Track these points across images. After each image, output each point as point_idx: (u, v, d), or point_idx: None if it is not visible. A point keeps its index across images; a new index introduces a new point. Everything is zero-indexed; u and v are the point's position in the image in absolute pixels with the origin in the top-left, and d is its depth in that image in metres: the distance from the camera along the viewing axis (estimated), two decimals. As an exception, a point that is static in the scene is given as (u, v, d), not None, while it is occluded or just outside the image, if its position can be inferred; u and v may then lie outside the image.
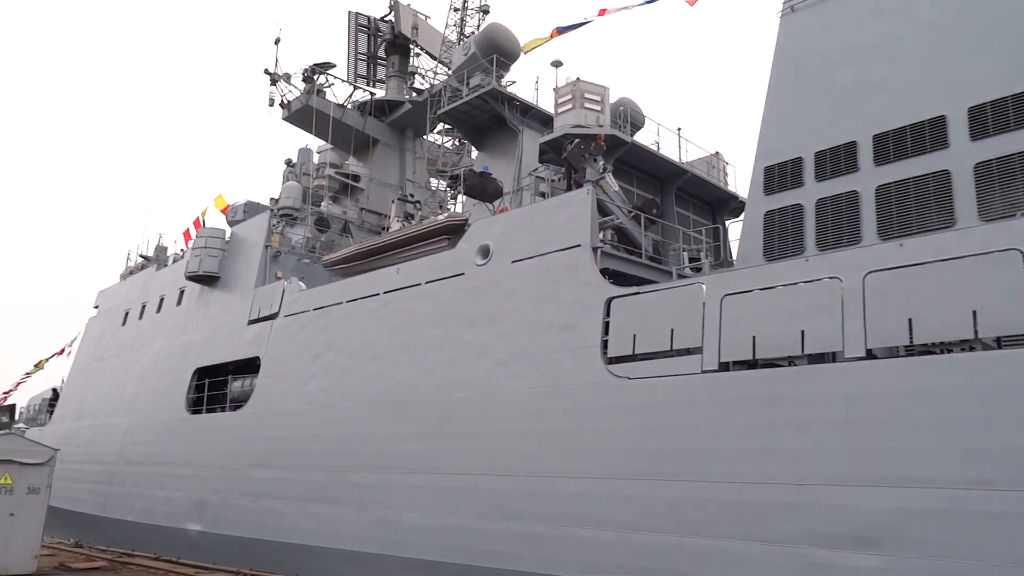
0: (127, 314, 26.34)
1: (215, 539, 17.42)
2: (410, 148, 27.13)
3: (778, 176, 11.75)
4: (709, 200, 20.02)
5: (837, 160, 11.12)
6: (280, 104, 25.42)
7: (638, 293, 11.24)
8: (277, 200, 23.15)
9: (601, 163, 13.97)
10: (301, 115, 25.43)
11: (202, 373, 20.91)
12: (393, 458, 13.92)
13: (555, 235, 12.72)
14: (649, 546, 9.86)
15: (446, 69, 25.30)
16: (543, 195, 14.58)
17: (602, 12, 19.81)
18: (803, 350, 9.20)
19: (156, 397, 22.09)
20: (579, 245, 12.27)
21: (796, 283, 9.65)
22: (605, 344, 11.35)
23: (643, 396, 10.57)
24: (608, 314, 11.47)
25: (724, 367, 9.89)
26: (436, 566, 12.45)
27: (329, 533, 14.54)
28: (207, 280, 21.92)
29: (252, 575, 12.45)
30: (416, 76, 26.14)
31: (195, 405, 20.66)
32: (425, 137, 28.01)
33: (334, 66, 25.90)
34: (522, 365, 12.35)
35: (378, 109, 26.59)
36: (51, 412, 29.48)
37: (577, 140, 14.04)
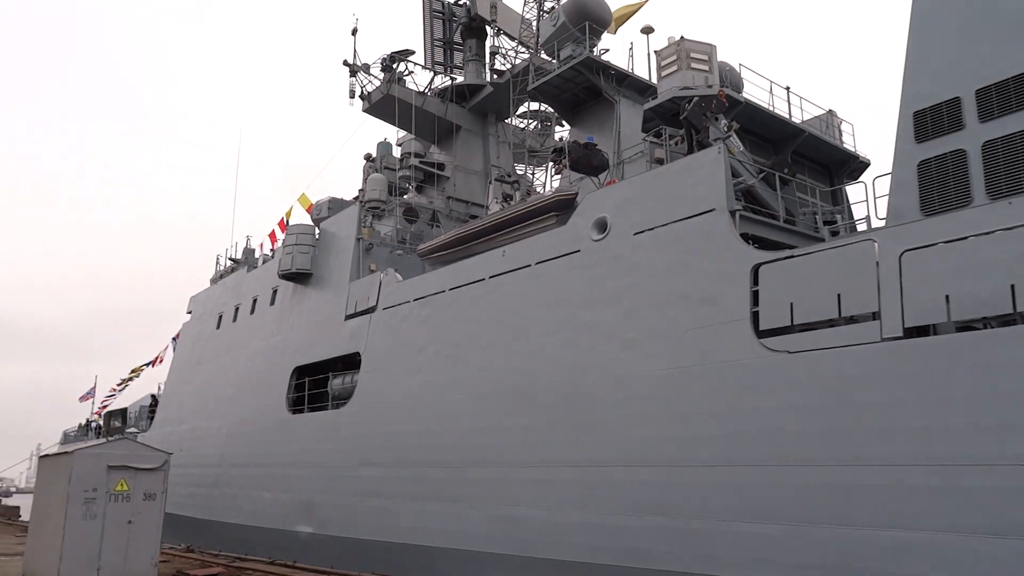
0: (221, 317, 26.31)
1: (327, 541, 16.91)
2: (493, 133, 26.26)
3: (931, 121, 10.30)
4: (825, 162, 18.44)
5: (1006, 96, 9.62)
6: (360, 96, 24.89)
7: (793, 256, 9.99)
8: (362, 194, 22.58)
9: (724, 122, 12.72)
10: (382, 105, 24.85)
11: (301, 372, 20.52)
12: (513, 451, 13.01)
13: (683, 201, 11.56)
14: (834, 541, 8.64)
15: (527, 49, 24.32)
16: (659, 161, 13.42)
17: None
18: (1015, 307, 7.82)
19: (256, 398, 21.83)
20: (713, 209, 11.08)
21: (994, 231, 8.27)
22: (755, 316, 10.15)
23: (809, 371, 9.33)
24: (756, 282, 10.26)
25: (910, 333, 8.58)
26: (570, 566, 11.48)
27: (448, 533, 13.76)
28: (300, 278, 21.53)
29: (374, 579, 11.80)
30: (496, 58, 25.22)
31: (296, 404, 20.29)
32: (508, 121, 27.12)
33: (412, 53, 25.23)
34: (655, 345, 11.25)
35: (458, 95, 25.81)
36: (151, 418, 29.85)
37: (697, 98, 12.82)
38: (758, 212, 12.40)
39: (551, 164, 15.55)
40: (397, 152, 27.77)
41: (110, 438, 12.11)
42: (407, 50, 24.87)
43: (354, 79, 24.52)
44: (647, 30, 19.52)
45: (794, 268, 9.92)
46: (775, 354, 9.75)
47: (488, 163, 25.82)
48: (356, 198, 24.95)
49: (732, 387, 10.11)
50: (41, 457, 13.31)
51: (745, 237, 11.21)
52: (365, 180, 26.92)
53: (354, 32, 24.55)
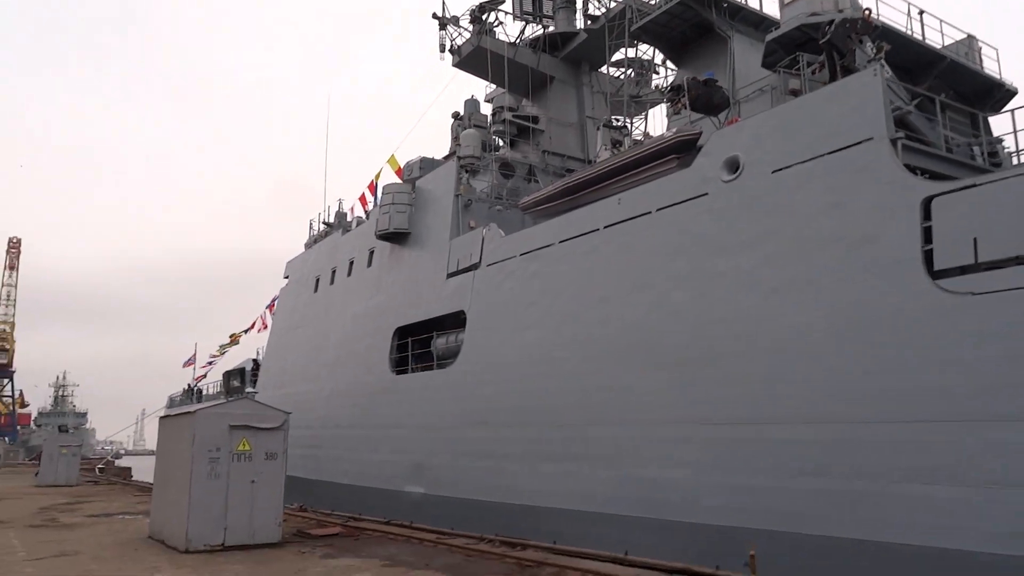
0: (318, 281, 26.36)
1: (438, 502, 16.65)
2: (587, 83, 25.16)
3: None
4: (966, 92, 16.71)
5: None
6: (450, 50, 24.14)
7: (976, 185, 8.78)
8: (458, 149, 21.94)
9: (870, 45, 11.43)
10: (472, 59, 24.06)
11: (402, 332, 20.25)
12: (641, 410, 12.27)
13: (833, 132, 10.40)
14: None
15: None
16: (794, 93, 12.21)
17: None
18: None
19: (357, 360, 21.75)
20: (870, 139, 9.91)
21: None
22: (928, 255, 9.02)
23: (1003, 314, 8.20)
24: (927, 217, 9.11)
25: None
26: (711, 530, 10.72)
27: (571, 494, 13.18)
28: (397, 237, 21.17)
29: (503, 541, 11.30)
30: (590, 3, 24.00)
31: (398, 365, 20.06)
32: (603, 70, 25.94)
33: (502, 1, 24.26)
34: (804, 292, 10.23)
35: (550, 44, 24.77)
36: (253, 382, 30.43)
37: (840, 19, 11.53)
38: (926, 142, 11.13)
39: (667, 104, 14.46)
40: (485, 109, 27.03)
41: (230, 398, 11.97)
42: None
43: (443, 32, 23.78)
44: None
45: (976, 199, 8.72)
46: (954, 296, 8.63)
47: (583, 114, 24.78)
48: (448, 157, 24.39)
49: (901, 335, 9.04)
50: (162, 418, 13.34)
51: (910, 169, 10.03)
52: (454, 139, 26.32)
53: (444, -20, 23.75)
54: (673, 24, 17.78)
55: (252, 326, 39.72)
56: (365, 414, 20.63)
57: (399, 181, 24.19)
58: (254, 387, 29.60)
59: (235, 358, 44.83)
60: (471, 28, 23.87)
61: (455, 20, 23.76)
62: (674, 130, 13.34)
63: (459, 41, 23.98)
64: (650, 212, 13.03)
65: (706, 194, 12.07)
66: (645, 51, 22.44)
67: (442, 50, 23.87)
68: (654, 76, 25.58)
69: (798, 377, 10.00)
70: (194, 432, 11.08)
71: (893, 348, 9.05)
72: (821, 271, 10.07)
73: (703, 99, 13.97)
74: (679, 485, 11.33)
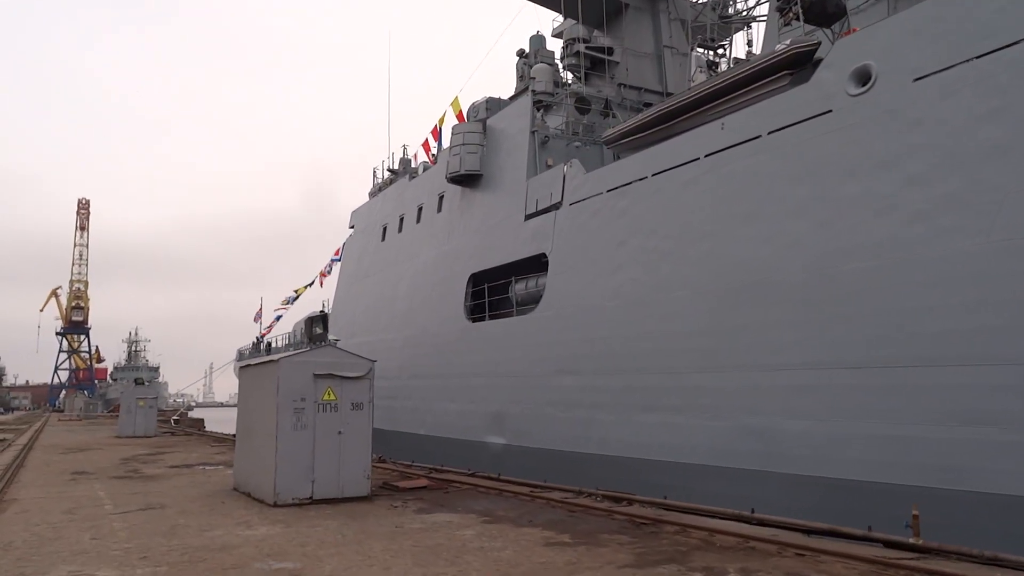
0: (385, 229, 25.68)
1: (521, 453, 15.94)
2: (664, 10, 23.43)
3: None
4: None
5: None
6: (519, -22, 22.69)
7: None
8: (533, 83, 20.68)
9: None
10: (541, -14, 22.58)
11: (477, 279, 19.41)
12: (755, 354, 11.16)
13: (995, 28, 8.90)
14: None
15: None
16: (931, -9, 10.62)
17: None
18: None
19: (431, 309, 21.06)
20: (1041, 32, 8.41)
21: None
22: None
23: None
24: (1124, 120, 7.66)
25: None
26: (847, 486, 9.65)
27: (675, 446, 12.23)
28: (469, 180, 20.20)
29: (605, 495, 10.45)
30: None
31: (474, 313, 19.28)
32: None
33: (574, -77, 22.57)
34: (962, 215, 8.89)
35: (622, -31, 23.05)
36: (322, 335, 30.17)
37: None
38: None
39: (777, 15, 12.97)
40: (552, 46, 25.58)
41: (313, 345, 11.29)
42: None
43: (512, -42, 22.30)
44: None
45: None
46: None
47: (660, 44, 23.13)
48: (518, 95, 23.15)
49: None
50: (242, 368, 12.79)
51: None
52: (520, 79, 25.03)
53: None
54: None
55: (320, 277, 39.59)
56: (440, 363, 19.99)
57: (457, 130, 23.11)
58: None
59: (298, 312, 45.03)
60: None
61: (523, -55, 22.23)
62: (788, 42, 11.89)
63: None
64: (760, 136, 11.72)
65: (830, 111, 10.69)
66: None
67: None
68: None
69: (955, 312, 8.73)
70: (278, 382, 10.43)
71: (1081, 275, 7.72)
72: (982, 191, 8.71)
73: (816, 8, 12.46)
74: (806, 435, 10.24)
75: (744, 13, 21.44)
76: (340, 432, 10.84)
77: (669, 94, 21.54)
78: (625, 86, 21.96)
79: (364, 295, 25.91)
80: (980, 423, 8.45)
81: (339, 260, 33.16)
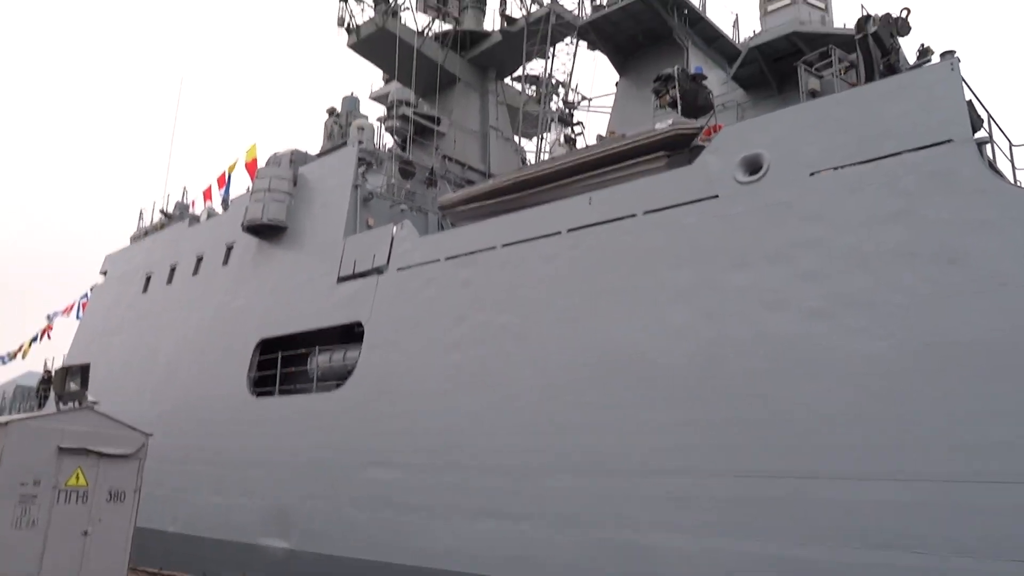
0: (149, 279, 21.69)
1: (314, 560, 13.10)
2: (492, 90, 22.97)
3: None
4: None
5: None
6: (347, 29, 21.01)
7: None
8: (361, 133, 18.78)
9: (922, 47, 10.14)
10: (372, 43, 21.08)
11: (267, 347, 16.52)
12: (621, 455, 9.81)
13: (894, 132, 8.77)
14: None
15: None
16: (813, 93, 10.63)
17: None
18: None
19: (203, 377, 17.60)
20: (950, 140, 8.33)
21: None
22: (1039, 277, 7.44)
23: None
24: (1036, 233, 7.57)
25: None
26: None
27: (517, 561, 10.36)
28: (270, 232, 17.51)
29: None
30: (507, 2, 21.91)
31: (260, 386, 16.28)
32: (507, 80, 23.93)
33: (413, -16, 21.62)
34: (862, 316, 8.37)
35: (457, 43, 22.40)
36: (43, 399, 24.58)
37: (883, 14, 10.13)
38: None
39: (653, 96, 12.49)
40: (365, 108, 24.09)
41: (63, 406, 8.05)
42: (407, -20, 21.26)
43: (344, 5, 20.66)
44: (704, -20, 16.94)
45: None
46: (1083, 329, 7.06)
47: (486, 124, 22.51)
48: (325, 151, 21.13)
49: (1013, 373, 7.34)
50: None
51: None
52: (328, 136, 23.13)
53: (347, -49, 20.72)
54: (625, 25, 16.16)
55: (43, 333, 33.09)
56: (208, 444, 16.52)
57: (264, 174, 20.47)
58: (42, 404, 23.80)
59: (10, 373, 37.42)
60: (371, 13, 20.94)
61: (358, -6, 20.76)
62: (670, 121, 11.31)
63: (360, 20, 20.93)
64: (635, 215, 10.83)
65: (715, 196, 10.06)
66: (563, 63, 20.60)
67: (340, 24, 20.71)
68: (558, 94, 23.78)
69: (864, 419, 8.03)
70: (0, 454, 7.19)
71: (1006, 388, 7.30)
72: (886, 292, 8.27)
73: (689, 97, 12.17)
74: (679, 553, 8.92)
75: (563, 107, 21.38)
76: (86, 532, 7.71)
77: (491, 175, 20.75)
78: (449, 159, 20.82)
79: (111, 355, 21.42)
80: (883, 546, 7.64)
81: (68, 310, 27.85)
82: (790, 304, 8.93)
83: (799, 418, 8.49)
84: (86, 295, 26.13)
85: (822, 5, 13.42)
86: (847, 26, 12.81)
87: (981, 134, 8.65)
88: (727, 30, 16.65)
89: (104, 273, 24.58)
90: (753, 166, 9.84)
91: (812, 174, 9.29)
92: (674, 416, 9.46)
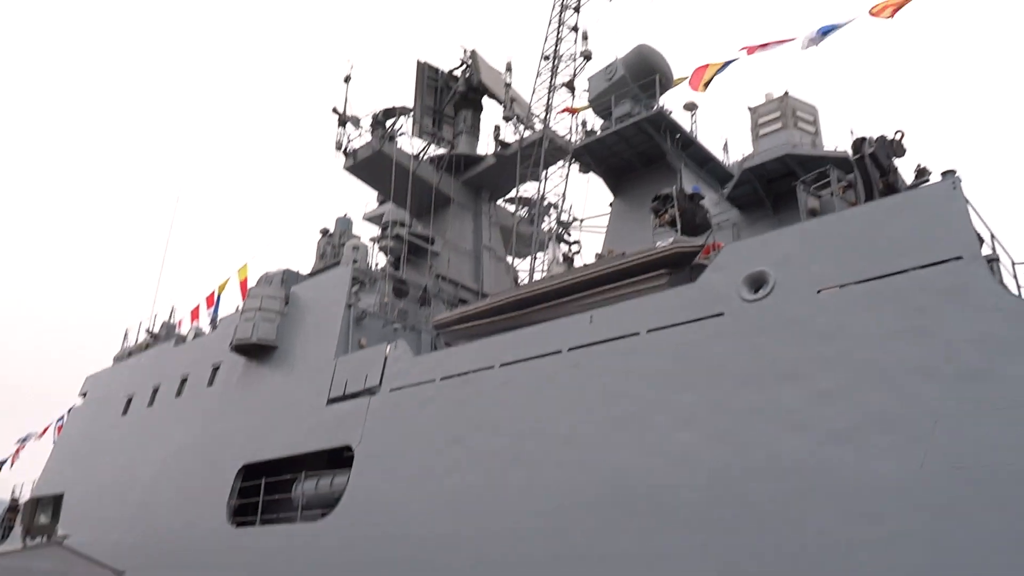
0: (130, 401, 21.00)
1: None
2: (485, 212, 23.26)
3: None
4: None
5: None
6: (344, 152, 21.42)
7: None
8: (356, 253, 18.78)
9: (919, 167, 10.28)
10: (368, 165, 21.46)
11: (250, 472, 15.76)
12: (633, 589, 9.08)
13: (902, 248, 8.69)
14: None
15: (538, 117, 21.93)
16: (813, 212, 10.65)
17: (751, 50, 16.57)
18: None
19: (180, 504, 16.69)
20: (959, 257, 8.24)
21: None
22: (1071, 398, 7.13)
23: None
24: (1058, 352, 7.33)
25: None
26: None
27: None
28: (259, 352, 17.11)
29: None
30: (501, 129, 22.55)
31: (240, 514, 15.38)
32: (498, 201, 24.30)
33: (410, 111, 22.26)
34: (885, 436, 7.97)
35: (451, 166, 22.88)
36: (7, 529, 23.21)
37: (878, 136, 10.31)
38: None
39: (652, 214, 12.52)
40: (357, 229, 24.28)
41: (30, 541, 7.33)
42: (403, 108, 21.90)
43: (342, 129, 21.15)
44: (690, 106, 17.55)
45: None
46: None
47: (479, 244, 22.65)
48: (317, 271, 21.09)
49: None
50: None
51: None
52: (320, 256, 23.19)
53: (347, 79, 21.43)
54: (618, 148, 16.51)
55: (13, 457, 31.76)
56: (184, 579, 15.43)
57: (256, 293, 20.29)
58: (6, 535, 22.43)
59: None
60: (371, 134, 21.44)
61: (356, 121, 21.28)
62: (671, 239, 11.26)
63: (357, 144, 21.38)
64: (638, 333, 10.56)
65: (721, 314, 9.85)
66: (556, 184, 20.97)
67: (338, 148, 21.11)
68: (549, 216, 24.11)
69: (891, 549, 7.47)
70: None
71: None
72: (907, 411, 7.91)
73: (687, 215, 12.21)
74: None
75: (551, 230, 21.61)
76: None
77: (485, 294, 20.65)
78: (443, 278, 20.76)
79: (87, 481, 20.41)
80: None
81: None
82: (810, 425, 8.52)
83: (819, 549, 7.91)
84: (62, 418, 25.24)
85: (812, 129, 13.77)
86: (838, 148, 13.08)
87: (986, 251, 8.59)
88: (717, 153, 17.06)
89: (83, 395, 23.85)
90: (758, 283, 9.70)
91: (819, 291, 9.12)
92: (683, 547, 8.84)
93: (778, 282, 9.49)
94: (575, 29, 22.82)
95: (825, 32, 14.66)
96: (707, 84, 14.73)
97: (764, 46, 15.36)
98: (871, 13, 14.18)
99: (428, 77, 24.09)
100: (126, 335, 25.33)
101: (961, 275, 8.15)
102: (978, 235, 8.71)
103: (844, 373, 8.52)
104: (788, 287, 9.39)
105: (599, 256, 13.74)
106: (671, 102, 16.16)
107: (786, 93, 13.79)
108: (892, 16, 14.21)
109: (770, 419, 8.82)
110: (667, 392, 9.86)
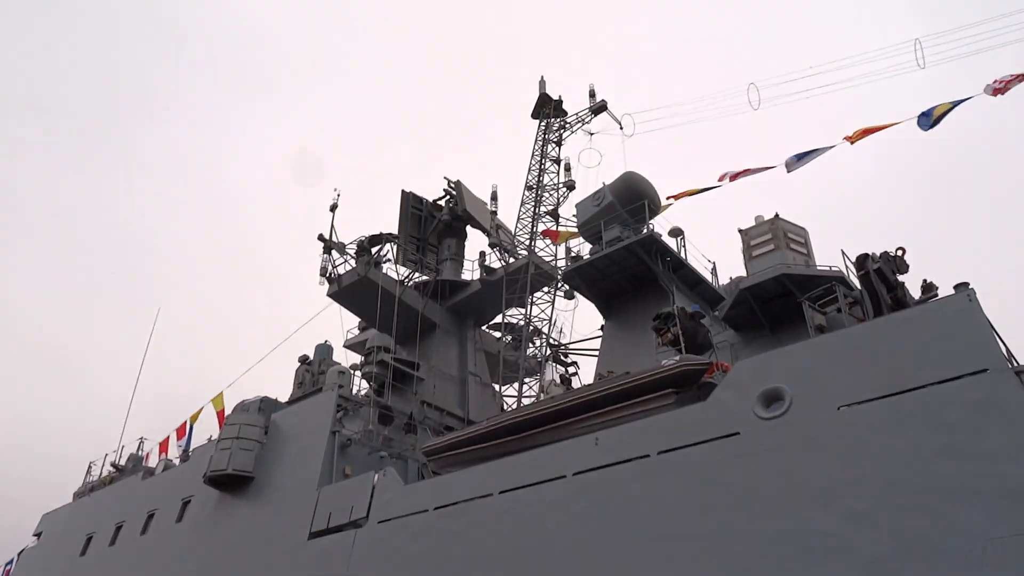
0: (90, 540, 19.50)
1: None
2: (470, 337, 22.95)
3: None
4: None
5: None
6: (329, 279, 21.21)
7: None
8: (343, 378, 18.18)
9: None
10: (352, 291, 21.21)
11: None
12: None
13: (923, 362, 8.47)
14: None
15: (522, 244, 22.12)
16: (820, 328, 10.51)
17: (727, 177, 17.11)
18: None
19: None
20: (985, 370, 8.03)
21: None
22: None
23: None
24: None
25: None
26: None
27: None
28: (234, 484, 16.11)
29: None
30: (487, 256, 22.64)
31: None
32: (483, 327, 24.06)
33: (395, 238, 22.33)
34: (932, 562, 7.42)
35: (436, 292, 22.75)
36: None
37: (881, 252, 10.36)
38: None
39: (654, 333, 12.29)
40: (339, 356, 23.75)
41: None
42: (390, 234, 21.98)
43: (327, 256, 21.03)
44: (676, 232, 17.83)
45: None
46: None
47: (465, 369, 22.17)
48: (295, 399, 20.35)
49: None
50: None
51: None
52: (299, 384, 22.49)
53: (333, 208, 21.54)
54: (610, 271, 16.53)
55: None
56: None
57: (233, 421, 19.42)
58: None
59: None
60: (355, 260, 21.36)
61: (341, 247, 21.24)
62: (676, 358, 10.97)
63: (342, 270, 21.23)
64: (648, 456, 10.06)
65: (736, 433, 9.43)
66: (543, 309, 20.88)
67: (323, 274, 20.91)
68: (534, 343, 23.85)
69: None
70: None
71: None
72: (957, 532, 7.41)
73: (688, 334, 12.01)
74: None
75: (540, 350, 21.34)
76: None
77: (471, 420, 20.03)
78: (428, 404, 20.12)
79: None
80: None
81: None
82: (845, 551, 7.95)
83: None
84: (12, 561, 23.32)
85: (804, 250, 13.92)
86: (833, 268, 13.17)
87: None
88: (706, 275, 17.15)
89: (38, 535, 22.16)
90: (774, 400, 9.37)
91: (839, 407, 8.80)
92: None
93: (795, 399, 9.17)
94: (558, 161, 23.54)
95: (800, 157, 15.24)
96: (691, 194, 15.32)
97: (745, 172, 15.87)
98: (846, 139, 14.83)
99: (412, 206, 24.43)
100: (89, 469, 23.98)
101: (990, 388, 7.90)
102: (1005, 346, 8.58)
103: (876, 494, 8.06)
104: (806, 403, 9.07)
105: (600, 377, 13.36)
106: (658, 228, 16.31)
107: (776, 215, 14.03)
108: (854, 143, 14.92)
109: (801, 544, 8.24)
110: (682, 517, 9.27)
